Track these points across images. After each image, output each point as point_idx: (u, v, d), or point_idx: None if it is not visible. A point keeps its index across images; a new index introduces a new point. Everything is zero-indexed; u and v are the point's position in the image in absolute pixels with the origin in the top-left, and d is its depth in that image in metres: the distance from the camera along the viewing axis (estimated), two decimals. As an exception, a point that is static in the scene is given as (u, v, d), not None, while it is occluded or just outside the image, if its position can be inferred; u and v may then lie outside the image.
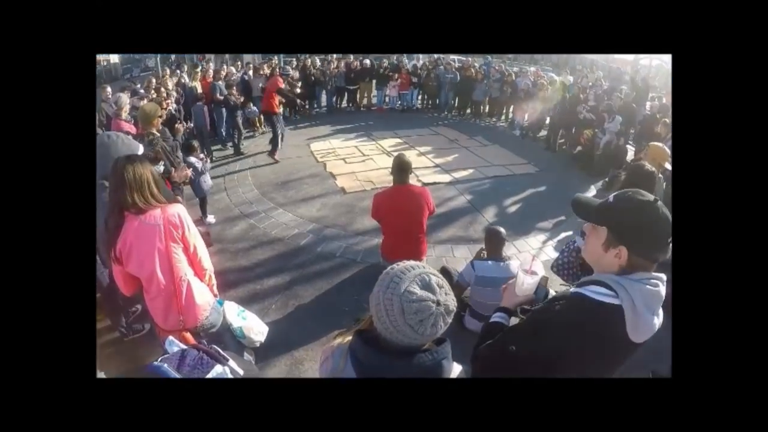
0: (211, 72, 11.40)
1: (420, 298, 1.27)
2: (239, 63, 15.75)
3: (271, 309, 4.80)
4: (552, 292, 1.86)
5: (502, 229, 4.23)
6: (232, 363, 1.60)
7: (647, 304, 1.38)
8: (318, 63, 15.00)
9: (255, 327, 3.18)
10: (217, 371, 1.54)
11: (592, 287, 1.46)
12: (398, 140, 11.48)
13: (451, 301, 1.33)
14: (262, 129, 12.20)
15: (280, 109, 10.24)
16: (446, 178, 8.78)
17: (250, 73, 13.15)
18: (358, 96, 15.89)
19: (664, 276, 1.42)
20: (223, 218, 6.95)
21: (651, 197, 1.39)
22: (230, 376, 1.55)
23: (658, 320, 1.41)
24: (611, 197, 1.49)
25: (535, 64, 21.64)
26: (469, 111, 15.16)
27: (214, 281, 2.98)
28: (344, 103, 15.97)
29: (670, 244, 1.39)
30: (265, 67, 13.58)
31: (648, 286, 1.40)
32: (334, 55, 15.33)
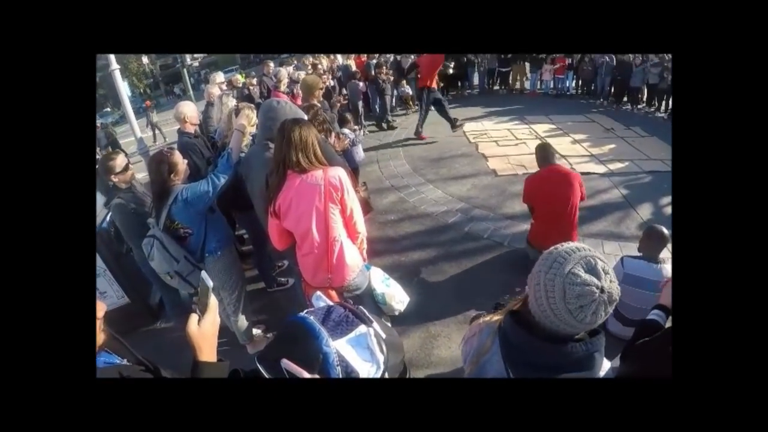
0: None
1: (584, 281, 1.20)
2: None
3: (413, 281, 4.82)
4: None
5: (666, 231, 3.71)
6: (376, 325, 1.59)
7: None
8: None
9: (397, 295, 3.18)
10: (360, 331, 1.53)
11: None
12: (552, 126, 10.88)
13: (616, 290, 1.23)
14: (414, 107, 12.33)
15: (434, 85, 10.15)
16: (600, 168, 8.12)
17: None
18: (510, 78, 15.38)
19: None
20: (374, 189, 7.09)
21: None
22: (373, 338, 1.54)
23: None
24: None
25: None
26: (625, 98, 13.71)
27: (365, 245, 3.03)
28: (496, 86, 15.58)
29: None
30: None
31: None
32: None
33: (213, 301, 1.45)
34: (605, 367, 1.39)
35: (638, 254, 3.80)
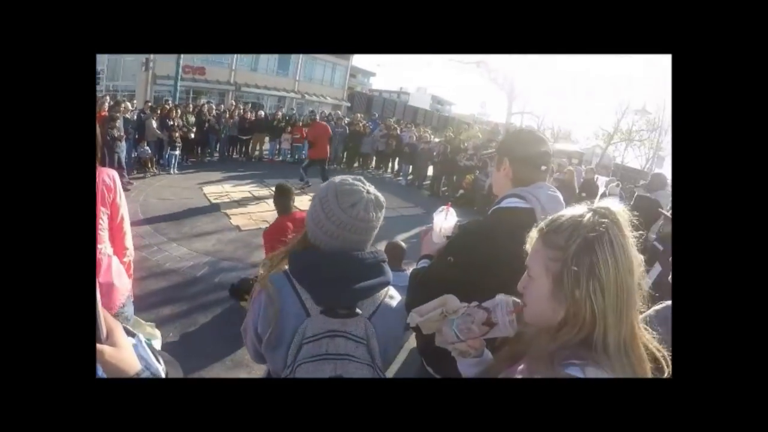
0: (106, 105, 10.92)
1: (351, 184, 1.42)
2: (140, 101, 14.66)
3: (168, 337, 4.57)
4: None
5: (402, 242, 4.45)
6: (141, 336, 1.54)
7: (552, 206, 1.67)
8: (214, 110, 14.98)
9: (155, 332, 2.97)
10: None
11: (504, 201, 1.81)
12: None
13: (381, 198, 1.47)
14: (153, 170, 11.72)
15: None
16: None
17: (147, 111, 12.70)
18: (250, 146, 15.85)
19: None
20: (112, 250, 6.48)
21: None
22: (145, 346, 1.49)
23: None
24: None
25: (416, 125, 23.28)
26: (356, 164, 15.88)
27: (131, 263, 2.78)
28: (236, 154, 15.78)
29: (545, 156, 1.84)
30: (166, 106, 13.23)
31: (549, 192, 1.77)
32: (232, 102, 15.24)
33: None
34: (397, 297, 1.57)
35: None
